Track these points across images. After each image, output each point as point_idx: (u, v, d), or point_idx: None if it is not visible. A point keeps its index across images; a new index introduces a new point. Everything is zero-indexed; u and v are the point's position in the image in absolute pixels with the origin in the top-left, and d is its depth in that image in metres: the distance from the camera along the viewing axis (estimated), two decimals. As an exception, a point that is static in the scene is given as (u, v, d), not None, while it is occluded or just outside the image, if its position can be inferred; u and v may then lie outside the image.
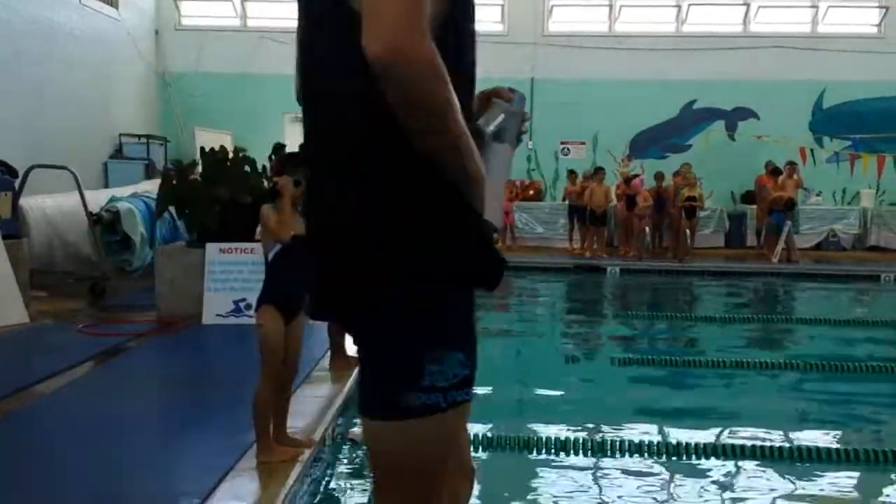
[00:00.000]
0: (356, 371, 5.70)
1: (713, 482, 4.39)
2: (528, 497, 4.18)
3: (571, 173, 15.36)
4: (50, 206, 9.61)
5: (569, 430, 4.99)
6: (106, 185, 13.08)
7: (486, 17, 15.93)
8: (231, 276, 7.40)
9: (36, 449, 4.22)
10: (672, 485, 4.38)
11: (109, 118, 14.62)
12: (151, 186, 10.87)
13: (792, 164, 14.77)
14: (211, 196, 7.71)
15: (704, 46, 16.36)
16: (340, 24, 1.50)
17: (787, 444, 4.87)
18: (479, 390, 1.77)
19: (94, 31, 13.81)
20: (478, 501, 3.54)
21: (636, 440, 4.77)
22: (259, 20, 17.12)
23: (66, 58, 12.84)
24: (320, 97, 1.64)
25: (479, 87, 1.71)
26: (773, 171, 14.48)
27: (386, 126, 1.42)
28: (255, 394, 3.86)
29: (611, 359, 7.16)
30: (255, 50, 16.34)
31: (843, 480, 4.51)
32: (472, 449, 2.61)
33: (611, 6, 16.91)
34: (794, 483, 4.40)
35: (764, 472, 4.52)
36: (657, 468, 4.55)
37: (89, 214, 9.03)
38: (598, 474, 4.50)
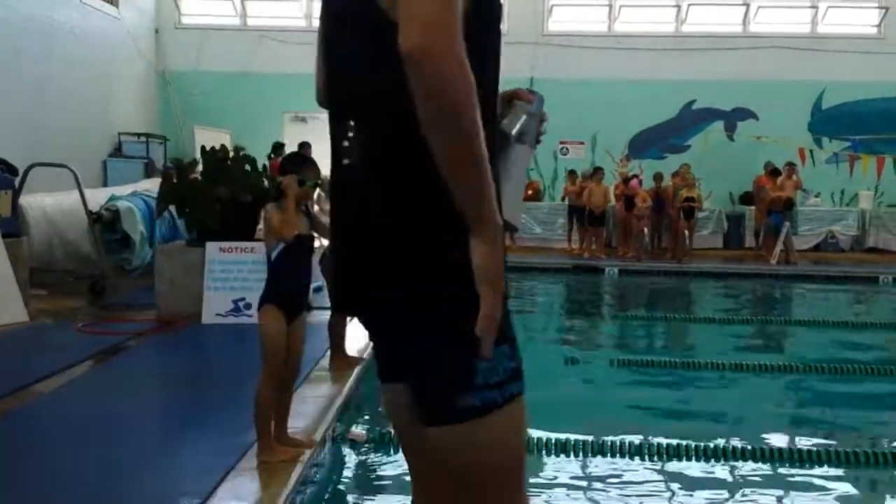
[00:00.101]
0: (356, 371, 5.72)
1: (712, 484, 4.40)
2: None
3: (572, 173, 15.35)
4: (50, 204, 9.60)
5: (568, 431, 4.99)
6: (105, 184, 13.09)
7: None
8: (231, 276, 7.40)
9: (36, 448, 4.22)
10: (672, 486, 4.39)
11: (109, 116, 14.63)
12: (151, 185, 10.87)
13: (791, 164, 14.77)
14: (211, 195, 7.70)
15: (704, 46, 16.37)
16: (366, 23, 1.51)
17: (786, 446, 4.88)
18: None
19: (93, 29, 13.81)
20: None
21: (636, 442, 4.78)
22: (259, 19, 17.15)
23: (66, 56, 12.84)
24: (344, 95, 1.63)
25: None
26: (772, 172, 14.48)
27: (409, 124, 1.43)
28: (257, 392, 3.87)
29: (609, 360, 7.16)
30: (255, 49, 16.37)
31: (843, 482, 4.51)
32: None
33: (610, 6, 16.93)
34: (794, 484, 4.41)
35: (763, 473, 4.52)
36: (657, 469, 4.55)
37: (89, 213, 9.02)
38: (598, 475, 4.50)
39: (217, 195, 7.67)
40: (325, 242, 5.33)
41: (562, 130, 16.27)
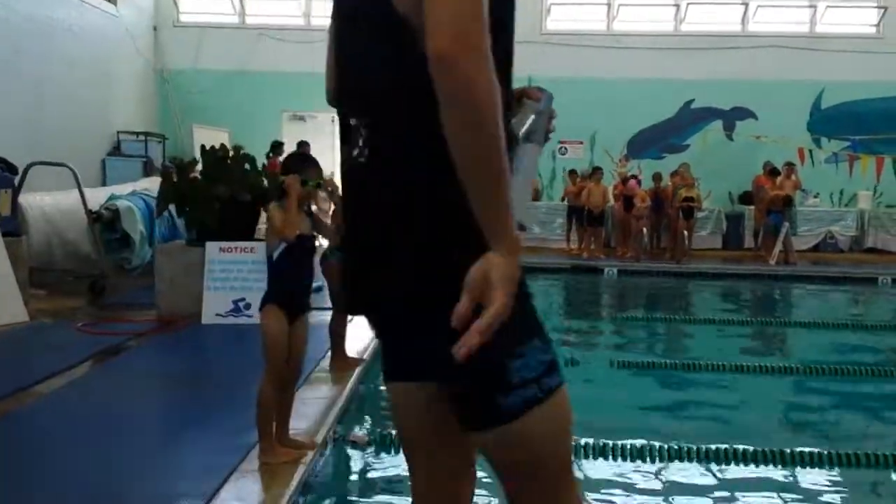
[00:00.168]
0: (357, 372, 5.71)
1: (712, 486, 4.40)
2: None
3: (572, 173, 15.33)
4: (49, 203, 9.58)
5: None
6: (104, 183, 13.07)
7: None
8: (231, 276, 7.39)
9: (36, 449, 4.21)
10: (672, 488, 4.39)
11: (108, 115, 14.60)
12: (150, 184, 10.86)
13: (790, 164, 14.77)
14: (211, 194, 7.69)
15: (703, 46, 16.36)
16: (379, 22, 1.50)
17: (785, 447, 4.87)
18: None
19: (92, 27, 13.79)
20: (478, 501, 3.53)
21: (637, 444, 4.77)
22: (257, 17, 17.12)
23: (65, 55, 12.82)
24: (356, 94, 1.63)
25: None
26: (772, 172, 14.48)
27: (419, 122, 1.42)
28: (258, 393, 3.86)
29: (609, 361, 7.15)
30: (254, 47, 16.35)
31: (843, 483, 4.51)
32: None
33: (609, 5, 16.93)
34: (794, 485, 4.41)
35: (763, 474, 4.52)
36: (657, 470, 4.55)
37: (89, 212, 9.01)
38: (598, 476, 4.49)
39: (217, 194, 7.66)
40: (326, 242, 5.34)
41: (560, 130, 16.09)
